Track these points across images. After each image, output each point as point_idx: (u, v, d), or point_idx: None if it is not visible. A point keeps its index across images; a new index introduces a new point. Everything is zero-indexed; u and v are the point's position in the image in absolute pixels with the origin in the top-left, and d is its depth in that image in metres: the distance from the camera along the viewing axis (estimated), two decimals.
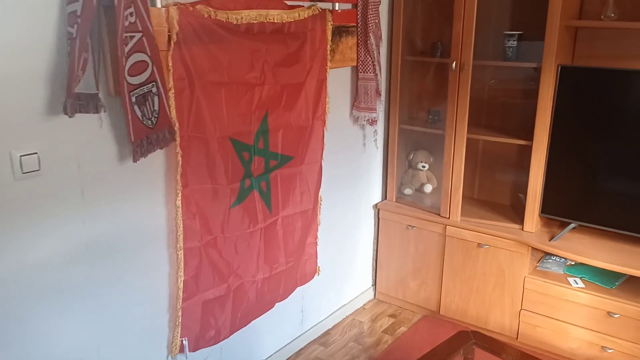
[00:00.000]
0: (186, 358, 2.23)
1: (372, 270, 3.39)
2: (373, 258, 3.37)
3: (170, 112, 1.89)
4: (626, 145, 2.57)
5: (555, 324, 2.72)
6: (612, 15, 2.49)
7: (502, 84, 3.02)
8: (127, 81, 1.71)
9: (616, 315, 2.54)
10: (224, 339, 2.32)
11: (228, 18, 2.01)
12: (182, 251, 2.06)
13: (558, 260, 2.86)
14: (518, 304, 2.82)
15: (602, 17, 2.51)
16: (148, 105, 1.80)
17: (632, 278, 2.61)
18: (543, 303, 2.74)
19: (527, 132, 2.72)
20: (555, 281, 2.71)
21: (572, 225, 2.76)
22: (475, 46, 2.71)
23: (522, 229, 2.82)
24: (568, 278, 2.72)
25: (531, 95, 2.69)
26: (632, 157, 2.57)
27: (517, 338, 2.85)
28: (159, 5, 1.81)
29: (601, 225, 2.69)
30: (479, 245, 2.88)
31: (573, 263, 2.81)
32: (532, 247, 2.74)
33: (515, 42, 2.67)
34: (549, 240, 2.72)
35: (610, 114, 2.59)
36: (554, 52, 2.52)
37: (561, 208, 2.76)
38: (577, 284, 2.68)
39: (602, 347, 2.60)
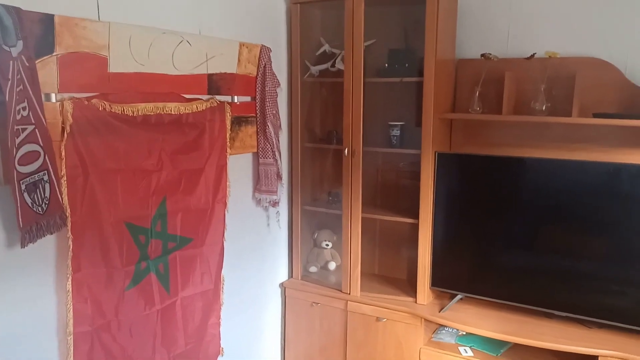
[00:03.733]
0: None
1: (281, 349, 3.44)
2: (281, 337, 3.43)
3: (62, 199, 1.96)
4: (500, 222, 2.87)
5: None
6: (478, 109, 2.85)
7: (392, 167, 3.29)
8: (17, 170, 1.79)
9: None
10: None
11: (124, 110, 2.16)
12: (71, 336, 2.06)
13: (451, 330, 3.04)
14: None
15: (469, 110, 2.87)
16: (39, 193, 1.88)
17: (516, 345, 2.81)
18: None
19: (416, 211, 2.97)
20: (448, 351, 2.87)
21: (459, 296, 2.97)
22: (364, 134, 2.98)
23: (416, 302, 2.99)
24: (459, 347, 2.89)
25: (418, 177, 2.95)
26: (507, 232, 2.86)
27: None
28: (53, 100, 1.94)
29: (485, 297, 2.92)
30: (378, 319, 3.02)
31: (464, 333, 3.00)
32: (424, 319, 2.91)
33: (399, 131, 2.97)
34: (439, 312, 2.90)
35: (483, 194, 2.89)
36: (431, 141, 2.83)
37: (449, 281, 2.97)
38: (466, 352, 2.84)
39: None
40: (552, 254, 2.77)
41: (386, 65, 2.98)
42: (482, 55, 2.81)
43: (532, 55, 2.70)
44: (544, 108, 2.68)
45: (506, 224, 2.87)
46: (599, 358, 2.49)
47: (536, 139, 2.86)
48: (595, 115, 2.55)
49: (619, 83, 2.62)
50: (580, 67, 2.62)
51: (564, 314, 2.70)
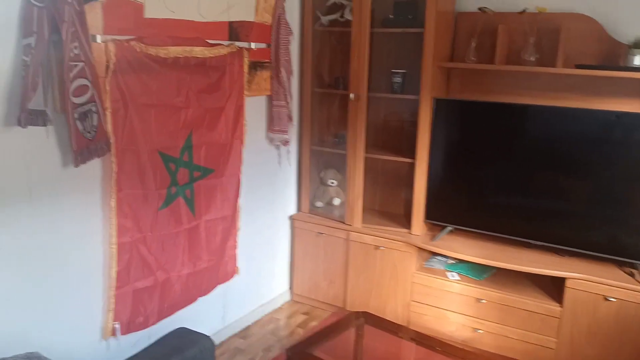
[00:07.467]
0: (117, 341, 2.57)
1: (289, 274, 3.84)
2: (289, 263, 3.82)
3: (106, 128, 2.29)
4: (489, 162, 3.19)
5: (437, 312, 3.24)
6: (473, 58, 3.12)
7: (394, 112, 3.59)
8: (71, 101, 2.11)
9: (483, 301, 3.09)
10: (152, 325, 2.68)
11: (157, 52, 2.46)
12: (115, 246, 2.43)
13: (441, 259, 3.41)
14: (408, 296, 3.33)
15: (466, 60, 3.14)
16: (88, 121, 2.21)
17: (498, 272, 3.19)
18: (428, 294, 3.26)
19: (414, 152, 3.28)
20: (437, 275, 3.24)
21: (449, 228, 3.33)
22: (369, 81, 3.27)
23: (410, 233, 3.36)
24: (447, 273, 3.27)
25: (417, 121, 3.25)
26: (495, 172, 3.19)
27: (408, 325, 3.34)
28: (99, 41, 2.24)
29: (472, 228, 3.27)
30: (376, 247, 3.39)
31: (453, 261, 3.37)
32: (418, 247, 3.27)
33: (401, 78, 3.26)
34: (431, 241, 3.26)
35: (475, 136, 3.20)
36: (429, 87, 3.12)
37: (440, 215, 3.32)
38: (453, 277, 3.22)
39: (473, 328, 3.14)
40: (534, 192, 3.10)
41: (391, 16, 3.23)
42: (480, 8, 3.06)
43: (524, 10, 2.95)
44: (532, 59, 2.96)
45: (495, 164, 3.19)
46: (567, 280, 2.85)
47: (525, 88, 3.14)
48: (578, 66, 2.82)
49: (600, 36, 2.88)
50: (565, 22, 2.88)
51: (540, 243, 3.06)
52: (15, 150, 2.05)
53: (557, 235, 3.02)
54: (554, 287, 3.03)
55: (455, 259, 3.30)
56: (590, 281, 2.80)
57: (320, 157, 3.76)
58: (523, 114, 3.08)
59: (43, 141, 2.14)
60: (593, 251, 2.92)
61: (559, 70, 2.88)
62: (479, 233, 3.27)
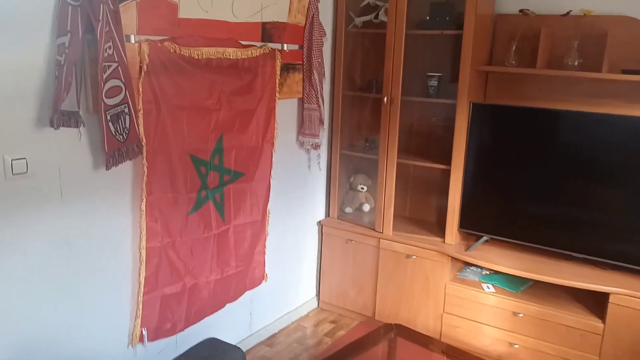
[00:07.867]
0: (144, 347, 2.52)
1: (316, 281, 3.75)
2: (317, 270, 3.74)
3: (138, 130, 2.24)
4: (528, 170, 3.07)
5: (471, 325, 3.13)
6: (513, 62, 3.00)
7: (428, 116, 3.49)
8: (104, 102, 2.06)
9: (520, 315, 2.96)
10: (180, 331, 2.62)
11: (190, 53, 2.40)
12: (144, 250, 2.38)
13: (475, 269, 3.29)
14: (440, 308, 3.22)
15: (505, 64, 3.03)
16: (120, 123, 2.16)
17: (536, 284, 3.06)
18: (461, 306, 3.15)
19: (448, 158, 3.18)
20: (471, 287, 3.13)
21: (485, 238, 3.21)
22: (403, 84, 3.18)
23: (444, 242, 3.25)
24: (482, 284, 3.15)
25: (452, 126, 3.15)
26: (533, 180, 3.06)
27: (440, 338, 3.23)
28: (133, 41, 2.19)
29: (510, 239, 3.15)
30: (408, 256, 3.29)
31: (488, 272, 3.25)
32: (451, 257, 3.16)
33: (436, 82, 3.16)
34: (465, 251, 3.15)
35: (513, 143, 3.08)
36: (467, 91, 3.01)
37: (476, 223, 3.21)
38: (489, 289, 3.10)
39: (509, 343, 3.02)
40: (574, 202, 2.96)
41: (428, 18, 3.14)
42: (520, 10, 2.95)
43: (568, 13, 2.83)
44: (576, 63, 2.83)
45: (533, 172, 3.06)
46: (610, 295, 2.72)
47: (566, 94, 3.01)
48: (624, 72, 2.70)
49: None
50: (612, 25, 2.76)
51: (581, 256, 2.93)
52: (47, 152, 2.01)
53: (598, 247, 2.88)
54: (594, 302, 2.89)
55: (490, 270, 3.19)
56: (636, 297, 2.66)
57: (350, 162, 3.68)
58: (564, 120, 2.95)
59: (75, 143, 2.10)
60: (637, 265, 2.78)
61: (604, 75, 2.75)
62: (516, 244, 3.15)
